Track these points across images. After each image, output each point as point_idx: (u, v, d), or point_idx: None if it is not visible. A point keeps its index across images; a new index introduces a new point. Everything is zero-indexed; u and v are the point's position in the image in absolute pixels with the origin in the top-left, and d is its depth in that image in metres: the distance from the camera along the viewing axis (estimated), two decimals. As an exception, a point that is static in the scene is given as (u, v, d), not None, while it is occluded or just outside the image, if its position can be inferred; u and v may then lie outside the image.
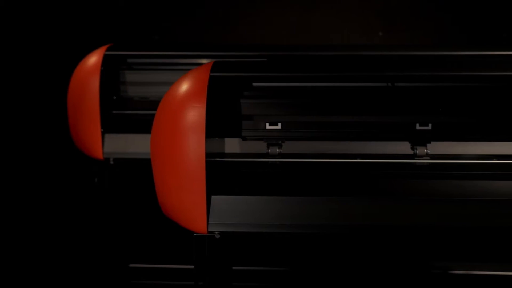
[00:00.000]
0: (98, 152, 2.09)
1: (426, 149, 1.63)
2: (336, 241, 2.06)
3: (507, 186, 1.52)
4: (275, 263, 1.97)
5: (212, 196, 1.49)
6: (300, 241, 2.06)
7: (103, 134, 2.08)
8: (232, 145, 1.75)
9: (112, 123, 2.15)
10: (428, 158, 1.63)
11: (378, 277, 1.93)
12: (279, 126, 1.63)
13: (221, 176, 1.55)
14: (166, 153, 1.47)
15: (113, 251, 2.15)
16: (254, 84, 1.62)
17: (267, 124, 1.63)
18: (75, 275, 2.01)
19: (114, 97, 2.20)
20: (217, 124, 1.63)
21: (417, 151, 1.63)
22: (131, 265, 2.07)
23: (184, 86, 1.49)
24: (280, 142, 1.66)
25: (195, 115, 1.44)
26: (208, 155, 1.46)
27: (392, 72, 1.60)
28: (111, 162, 2.13)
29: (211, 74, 1.50)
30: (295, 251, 2.04)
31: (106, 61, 2.09)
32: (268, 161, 1.64)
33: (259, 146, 1.70)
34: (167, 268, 2.04)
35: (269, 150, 1.65)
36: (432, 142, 1.64)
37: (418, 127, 1.61)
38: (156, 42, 2.89)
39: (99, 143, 2.08)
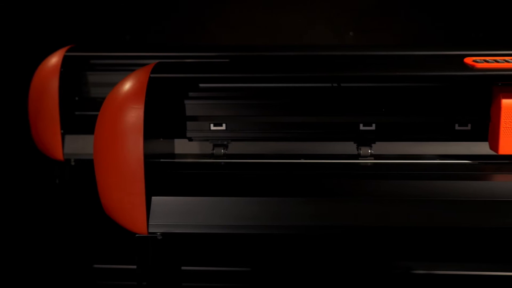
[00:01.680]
0: (58, 153, 2.10)
1: (370, 149, 1.63)
2: (295, 243, 2.06)
3: (451, 186, 1.52)
4: (231, 263, 1.97)
5: (153, 197, 1.49)
6: (260, 241, 2.06)
7: (63, 135, 2.09)
8: (183, 146, 1.75)
9: (75, 124, 2.15)
10: (372, 158, 1.62)
11: (337, 277, 1.93)
12: (223, 127, 1.63)
13: (162, 177, 1.55)
14: (106, 154, 1.47)
15: (76, 252, 2.15)
16: (201, 85, 1.62)
17: (211, 125, 1.63)
18: (39, 277, 2.01)
19: (76, 98, 2.20)
20: (165, 125, 1.63)
21: (361, 151, 1.63)
22: (96, 265, 2.07)
23: (124, 87, 1.49)
24: (225, 142, 1.66)
25: (133, 116, 1.44)
26: (148, 156, 1.46)
27: (338, 72, 1.59)
28: (72, 163, 2.14)
29: (151, 75, 1.50)
30: (253, 251, 2.03)
31: (66, 62, 2.10)
32: (212, 162, 1.64)
33: (210, 147, 1.70)
34: (133, 269, 2.03)
35: (214, 151, 1.66)
36: (377, 143, 1.64)
37: (362, 127, 1.61)
38: (123, 42, 2.88)
39: (59, 144, 2.09)
